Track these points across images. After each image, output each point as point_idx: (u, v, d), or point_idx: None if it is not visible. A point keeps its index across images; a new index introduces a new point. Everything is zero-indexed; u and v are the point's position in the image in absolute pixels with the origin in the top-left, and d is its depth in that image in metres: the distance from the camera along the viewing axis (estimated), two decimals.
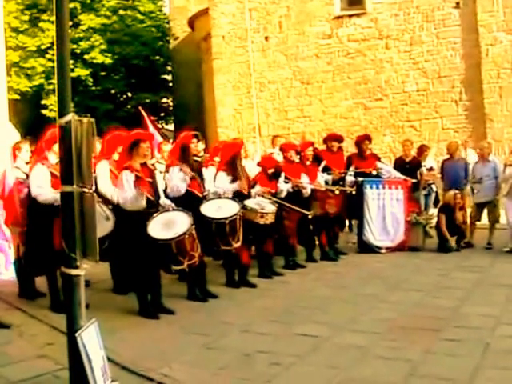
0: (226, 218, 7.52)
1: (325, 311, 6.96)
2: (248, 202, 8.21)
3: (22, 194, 7.46)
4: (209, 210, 7.62)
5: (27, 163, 7.83)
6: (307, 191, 9.72)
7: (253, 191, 8.61)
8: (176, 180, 7.61)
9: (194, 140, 8.31)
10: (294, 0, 19.46)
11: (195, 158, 8.29)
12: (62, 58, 4.36)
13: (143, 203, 6.74)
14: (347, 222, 12.16)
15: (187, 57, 27.22)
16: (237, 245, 7.69)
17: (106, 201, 7.26)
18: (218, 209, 7.66)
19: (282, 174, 9.37)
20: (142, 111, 10.81)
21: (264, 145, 19.10)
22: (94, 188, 6.95)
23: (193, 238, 6.81)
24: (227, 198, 7.99)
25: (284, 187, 9.33)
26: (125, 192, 6.73)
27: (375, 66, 18.57)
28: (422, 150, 12.63)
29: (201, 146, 9.32)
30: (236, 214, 7.61)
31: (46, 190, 6.91)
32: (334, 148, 10.90)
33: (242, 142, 9.10)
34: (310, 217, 9.44)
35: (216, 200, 7.87)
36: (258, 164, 9.54)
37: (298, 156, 10.00)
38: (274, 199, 8.84)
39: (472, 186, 11.39)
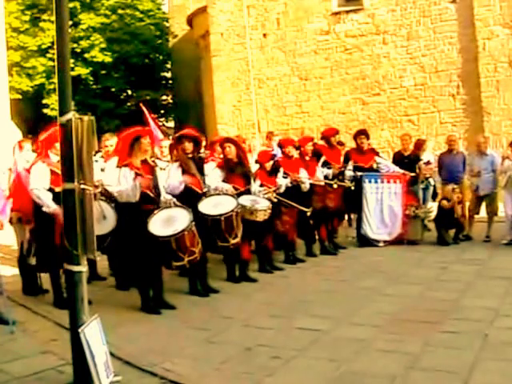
0: (221, 215, 7.41)
1: (325, 305, 6.99)
2: (241, 199, 8.04)
3: None
4: (206, 206, 7.52)
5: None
6: (306, 186, 9.74)
7: (252, 187, 8.59)
8: (173, 179, 7.50)
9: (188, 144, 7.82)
10: None
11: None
12: (63, 57, 4.42)
13: (137, 195, 6.72)
14: (346, 216, 12.27)
15: (186, 54, 27.28)
16: (234, 241, 7.57)
17: (109, 198, 7.25)
18: (217, 205, 7.56)
19: (281, 169, 9.39)
20: (143, 108, 10.80)
21: (263, 141, 19.14)
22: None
23: (193, 234, 6.80)
24: (226, 194, 7.91)
25: (283, 182, 9.33)
26: (122, 186, 6.75)
27: (373, 62, 18.61)
28: (420, 144, 12.63)
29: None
30: (232, 211, 7.48)
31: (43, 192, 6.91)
32: (333, 142, 10.97)
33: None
34: (308, 214, 9.49)
35: (215, 196, 7.78)
36: (256, 160, 9.54)
37: (298, 151, 10.04)
38: (275, 195, 8.87)
39: (470, 179, 11.41)
